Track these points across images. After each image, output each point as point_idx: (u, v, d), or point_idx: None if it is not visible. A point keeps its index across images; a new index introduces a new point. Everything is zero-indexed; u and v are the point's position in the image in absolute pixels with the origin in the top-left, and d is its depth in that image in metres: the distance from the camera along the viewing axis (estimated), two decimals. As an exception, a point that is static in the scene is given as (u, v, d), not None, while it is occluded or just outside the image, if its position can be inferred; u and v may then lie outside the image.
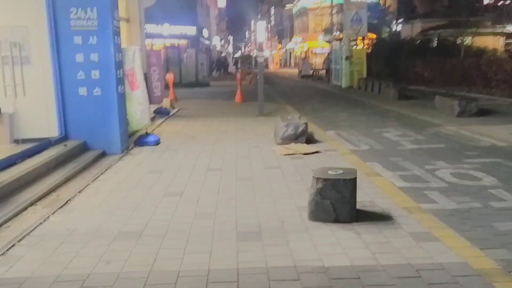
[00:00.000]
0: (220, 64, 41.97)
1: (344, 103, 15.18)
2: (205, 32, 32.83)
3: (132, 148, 7.45)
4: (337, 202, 3.94)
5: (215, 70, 38.75)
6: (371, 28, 28.92)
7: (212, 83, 25.94)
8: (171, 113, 12.30)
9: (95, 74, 6.62)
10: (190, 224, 4.00)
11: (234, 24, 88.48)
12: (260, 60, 11.69)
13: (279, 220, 4.07)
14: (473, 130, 9.18)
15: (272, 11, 76.42)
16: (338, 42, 24.00)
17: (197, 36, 25.75)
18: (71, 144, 6.51)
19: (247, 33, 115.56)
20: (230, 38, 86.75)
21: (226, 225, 3.97)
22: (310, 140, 7.82)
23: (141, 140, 7.70)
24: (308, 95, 19.05)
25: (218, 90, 21.66)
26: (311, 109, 13.62)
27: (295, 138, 7.56)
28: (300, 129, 7.55)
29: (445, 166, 6.25)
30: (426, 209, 4.37)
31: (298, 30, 56.48)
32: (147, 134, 7.85)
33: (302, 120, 8.09)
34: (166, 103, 13.54)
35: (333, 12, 38.69)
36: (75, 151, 6.48)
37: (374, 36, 27.14)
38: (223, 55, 52.74)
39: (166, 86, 16.37)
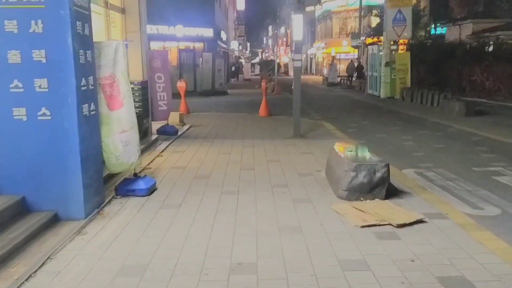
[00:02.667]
0: (237, 70, 39.42)
1: (396, 119, 12.22)
2: (223, 35, 30.22)
3: (108, 203, 4.69)
4: None
5: (233, 76, 36.25)
6: None
7: (230, 91, 23.26)
8: (179, 133, 9.56)
9: (41, 84, 3.89)
10: None
11: (251, 29, 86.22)
12: (297, 64, 8.90)
13: None
14: None
15: (291, 15, 73.78)
16: (376, 45, 21.02)
17: (214, 39, 23.13)
18: (-3, 203, 3.80)
19: (264, 39, 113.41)
20: (247, 44, 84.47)
21: None
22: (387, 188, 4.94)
23: (125, 188, 4.94)
24: (344, 107, 16.13)
25: (238, 100, 18.92)
26: (357, 128, 10.71)
27: (370, 189, 4.70)
28: (378, 175, 4.67)
29: None
30: None
31: (321, 35, 53.58)
32: (135, 177, 5.08)
33: (374, 156, 5.22)
34: (174, 118, 10.80)
35: (362, 15, 35.95)
36: (3, 215, 3.75)
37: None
38: (240, 60, 50.24)
39: (178, 95, 13.74)
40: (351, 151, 5.44)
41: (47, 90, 3.90)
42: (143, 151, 7.39)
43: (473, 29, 22.92)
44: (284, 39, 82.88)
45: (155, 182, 5.25)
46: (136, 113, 7.87)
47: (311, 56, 60.75)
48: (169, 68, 9.31)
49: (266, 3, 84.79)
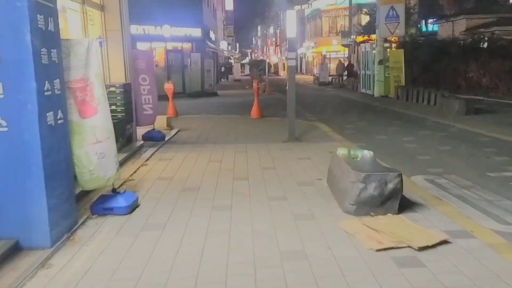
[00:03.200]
0: (227, 70, 38.80)
1: (394, 119, 11.73)
2: (212, 35, 29.56)
3: (82, 225, 4.06)
4: None
5: (223, 77, 35.61)
6: None
7: (220, 92, 22.64)
8: (167, 138, 8.94)
9: (-6, 89, 3.27)
10: None
11: (240, 30, 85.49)
12: (291, 63, 8.34)
13: None
14: None
15: (280, 15, 73.32)
16: (368, 43, 20.54)
17: (203, 39, 22.46)
18: None
19: (253, 39, 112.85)
20: (237, 44, 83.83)
21: None
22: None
23: (102, 206, 4.32)
24: (338, 107, 15.62)
25: (228, 101, 18.31)
26: (354, 130, 10.19)
27: (381, 203, 4.14)
28: (390, 186, 4.12)
29: None
30: None
31: (310, 34, 53.16)
32: (114, 193, 4.46)
33: (383, 164, 4.66)
34: (161, 122, 10.17)
35: (351, 13, 35.55)
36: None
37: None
38: (230, 61, 49.61)
39: (165, 97, 13.11)
40: (356, 157, 4.88)
41: (2, 96, 3.28)
42: (126, 160, 6.77)
43: (466, 25, 22.58)
44: (274, 39, 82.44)
45: (137, 198, 4.63)
46: (118, 118, 7.30)
47: (301, 56, 60.31)
48: (155, 69, 8.67)
49: (255, 3, 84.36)
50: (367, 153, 5.12)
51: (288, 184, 5.39)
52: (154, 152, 7.63)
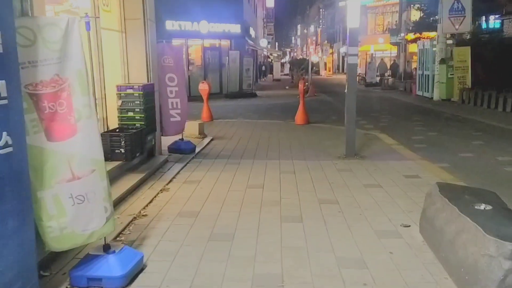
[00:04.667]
0: (267, 69, 37.29)
1: (471, 130, 9.74)
2: (252, 32, 28.07)
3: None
4: None
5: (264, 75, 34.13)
6: (431, 27, 22.94)
7: (259, 93, 21.11)
8: (198, 149, 7.45)
9: None
10: None
11: (280, 28, 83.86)
12: (352, 60, 6.61)
13: None
14: None
15: (322, 13, 71.02)
16: (428, 40, 18.32)
17: (242, 35, 20.94)
18: None
19: (293, 38, 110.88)
20: (276, 43, 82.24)
21: None
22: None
23: (85, 274, 2.81)
24: (395, 112, 13.66)
25: (268, 103, 16.72)
26: (426, 143, 8.31)
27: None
28: None
29: None
30: None
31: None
32: (106, 252, 2.93)
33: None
34: (192, 129, 8.73)
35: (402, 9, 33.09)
36: None
37: (431, 35, 21.40)
38: (269, 59, 48.04)
39: (200, 99, 11.75)
40: (477, 204, 3.12)
41: None
42: (143, 182, 5.32)
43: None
44: (314, 38, 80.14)
45: (141, 258, 3.10)
46: (137, 127, 5.87)
47: (343, 55, 57.90)
48: (190, 68, 7.19)
49: (295, 1, 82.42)
50: (492, 197, 3.36)
51: (362, 235, 3.71)
52: (181, 169, 6.14)
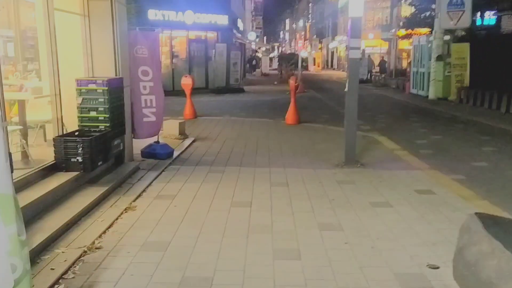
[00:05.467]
0: (257, 63, 36.37)
1: (477, 133, 8.99)
2: (240, 25, 27.02)
3: None
4: None
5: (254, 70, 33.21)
6: (423, 24, 22.38)
7: (247, 88, 20.19)
8: (176, 153, 6.52)
9: None
10: None
11: (268, 23, 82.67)
12: (354, 55, 5.73)
13: None
14: None
15: (311, 7, 70.18)
16: (424, 36, 17.56)
17: (229, 27, 19.92)
18: None
19: (281, 33, 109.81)
20: (264, 37, 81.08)
21: None
22: None
23: None
24: (391, 112, 12.87)
25: (256, 100, 15.83)
26: (432, 148, 7.50)
27: None
28: None
29: None
30: None
31: (344, 28, 49.92)
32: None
33: None
34: (172, 129, 7.79)
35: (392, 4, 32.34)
36: None
37: (423, 31, 20.87)
38: (257, 54, 47.03)
39: (184, 93, 10.85)
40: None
41: None
42: (105, 197, 4.37)
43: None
44: (302, 33, 79.17)
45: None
46: (100, 130, 4.92)
47: (333, 50, 57.24)
48: (158, 59, 6.27)
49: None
50: None
51: (379, 280, 2.85)
52: (153, 179, 5.21)
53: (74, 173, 4.34)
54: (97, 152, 4.52)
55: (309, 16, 72.80)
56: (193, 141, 7.72)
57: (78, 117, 4.92)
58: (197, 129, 8.97)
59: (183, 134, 7.94)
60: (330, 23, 59.23)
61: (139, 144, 6.21)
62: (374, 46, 40.53)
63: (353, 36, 5.86)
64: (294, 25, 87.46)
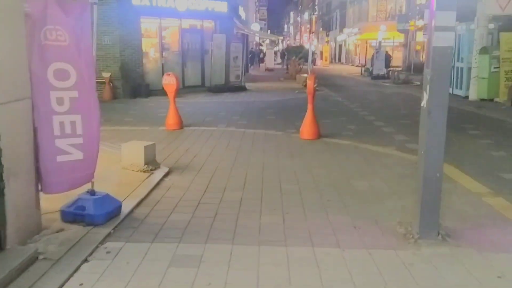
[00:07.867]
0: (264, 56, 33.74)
1: None
2: (242, 13, 24.24)
3: None
4: None
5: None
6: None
7: (250, 85, 17.55)
8: (125, 212, 3.86)
9: None
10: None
11: (272, 15, 79.85)
12: (443, 42, 2.99)
13: None
14: None
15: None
16: (464, 25, 14.80)
17: (229, 16, 17.21)
18: None
19: (285, 26, 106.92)
20: (268, 31, 78.24)
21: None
22: None
23: None
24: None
25: (261, 101, 13.14)
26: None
27: None
28: None
29: None
30: None
31: (353, 19, 46.98)
32: None
33: None
34: (134, 156, 5.16)
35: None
36: None
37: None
38: (261, 47, 44.25)
39: (163, 92, 8.35)
40: None
41: None
42: None
43: None
44: (308, 26, 76.27)
45: None
46: None
47: (341, 44, 54.35)
48: (91, 58, 3.59)
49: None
50: None
51: None
52: (64, 283, 2.58)
53: None
54: None
55: (316, 7, 69.93)
56: (166, 174, 5.09)
57: None
58: (178, 150, 6.36)
59: (152, 164, 5.28)
60: (338, 14, 56.31)
61: (59, 198, 3.57)
62: (387, 39, 37.66)
63: (440, 7, 3.17)
64: (299, 18, 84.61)
